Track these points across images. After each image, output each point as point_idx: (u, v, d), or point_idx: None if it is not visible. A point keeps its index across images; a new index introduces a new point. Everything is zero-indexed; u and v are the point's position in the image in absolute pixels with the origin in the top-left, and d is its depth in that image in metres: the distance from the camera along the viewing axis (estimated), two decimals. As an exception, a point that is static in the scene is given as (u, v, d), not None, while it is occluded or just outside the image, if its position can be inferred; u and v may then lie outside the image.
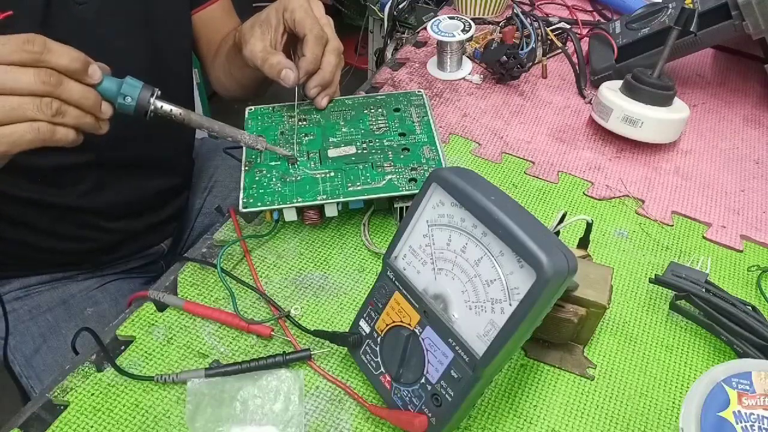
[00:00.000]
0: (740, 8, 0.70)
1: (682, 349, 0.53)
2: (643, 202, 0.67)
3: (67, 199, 0.72)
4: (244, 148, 0.60)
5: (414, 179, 0.57)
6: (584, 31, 0.92)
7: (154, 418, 0.46)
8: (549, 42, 0.88)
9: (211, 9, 0.81)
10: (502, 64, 0.80)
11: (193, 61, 0.84)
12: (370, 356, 0.47)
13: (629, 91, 0.71)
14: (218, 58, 0.79)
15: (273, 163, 0.59)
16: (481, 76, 0.84)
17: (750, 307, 0.52)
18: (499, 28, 0.90)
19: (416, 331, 0.44)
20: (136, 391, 0.48)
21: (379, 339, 0.46)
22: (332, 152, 0.60)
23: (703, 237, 0.63)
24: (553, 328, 0.49)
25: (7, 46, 0.42)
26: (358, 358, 0.48)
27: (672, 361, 0.52)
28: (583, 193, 0.67)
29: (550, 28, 0.89)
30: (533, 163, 0.71)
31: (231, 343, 0.51)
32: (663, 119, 0.69)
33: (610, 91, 0.72)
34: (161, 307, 0.54)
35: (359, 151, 0.60)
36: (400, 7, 1.18)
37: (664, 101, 0.70)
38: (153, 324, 0.52)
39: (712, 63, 0.92)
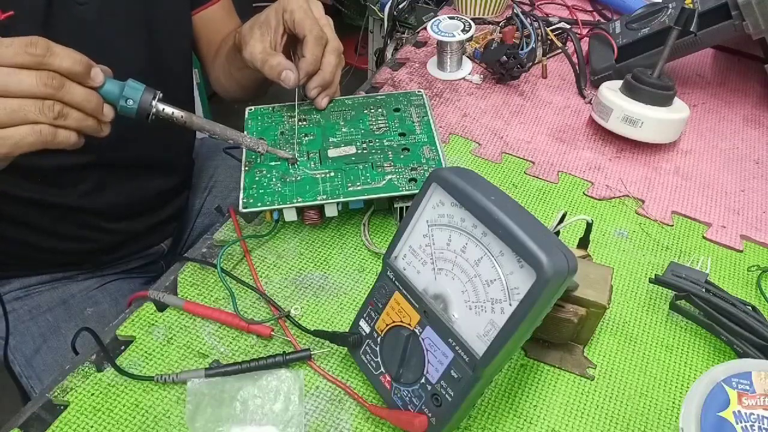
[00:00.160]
0: (740, 8, 0.70)
1: (682, 349, 0.53)
2: (643, 202, 0.67)
3: (67, 199, 0.72)
4: (244, 148, 0.60)
5: (414, 179, 0.57)
6: (584, 31, 0.92)
7: (154, 418, 0.46)
8: (549, 42, 0.88)
9: (211, 9, 0.81)
10: (502, 64, 0.80)
11: (193, 62, 0.84)
12: (370, 356, 0.47)
13: (629, 91, 0.71)
14: (218, 59, 0.79)
15: (273, 164, 0.59)
16: (481, 76, 0.84)
17: (750, 307, 0.52)
18: (499, 28, 0.90)
19: (416, 331, 0.44)
20: (136, 391, 0.48)
21: (379, 339, 0.46)
22: (332, 152, 0.60)
23: (703, 237, 0.63)
24: (553, 328, 0.49)
25: (10, 48, 0.42)
26: (358, 358, 0.48)
27: (672, 361, 0.52)
28: (583, 193, 0.67)
29: (550, 28, 0.89)
30: (533, 163, 0.71)
31: (231, 343, 0.51)
32: (663, 119, 0.69)
33: (610, 91, 0.72)
34: (161, 307, 0.54)
35: (359, 151, 0.60)
36: (400, 7, 1.18)
37: (664, 101, 0.70)
38: (153, 324, 0.52)
39: (712, 63, 0.92)
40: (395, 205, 0.58)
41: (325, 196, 0.56)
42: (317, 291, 0.56)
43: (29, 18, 0.59)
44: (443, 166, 0.59)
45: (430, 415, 0.42)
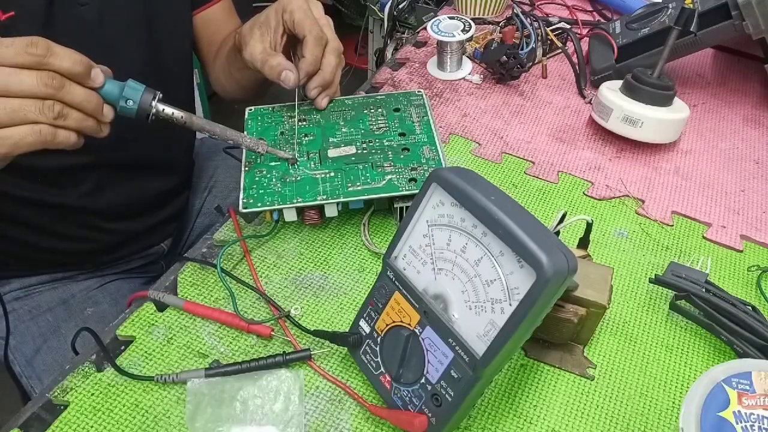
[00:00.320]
0: (740, 8, 0.70)
1: (682, 349, 0.53)
2: (643, 202, 0.67)
3: (67, 199, 0.72)
4: (244, 148, 0.60)
5: (414, 179, 0.57)
6: (584, 31, 0.92)
7: (154, 418, 0.46)
8: (549, 42, 0.88)
9: (211, 10, 0.81)
10: (502, 64, 0.80)
11: (194, 62, 0.84)
12: (370, 356, 0.47)
13: (629, 91, 0.71)
14: (218, 59, 0.80)
15: (273, 164, 0.59)
16: (481, 76, 0.84)
17: (750, 307, 0.52)
18: (499, 28, 0.90)
19: (416, 331, 0.44)
20: (136, 391, 0.48)
21: (379, 339, 0.46)
22: (332, 152, 0.60)
23: (703, 237, 0.63)
24: (553, 328, 0.49)
25: (10, 48, 0.43)
26: (358, 358, 0.48)
27: (672, 361, 0.52)
28: (583, 193, 0.67)
29: (550, 28, 0.89)
30: (533, 163, 0.71)
31: (231, 343, 0.51)
32: (663, 119, 0.69)
33: (610, 91, 0.72)
34: (161, 307, 0.54)
35: (359, 151, 0.60)
36: (400, 7, 1.18)
37: (664, 101, 0.70)
38: (153, 324, 0.52)
39: (712, 63, 0.92)
40: (395, 205, 0.58)
41: (325, 197, 0.56)
42: (317, 291, 0.56)
43: (30, 18, 0.59)
44: (443, 166, 0.59)
45: (430, 415, 0.42)
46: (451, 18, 0.83)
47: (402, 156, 0.60)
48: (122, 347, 0.51)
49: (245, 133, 0.63)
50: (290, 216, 0.56)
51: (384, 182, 0.57)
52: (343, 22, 2.21)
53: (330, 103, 0.66)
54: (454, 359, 0.41)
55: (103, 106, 0.48)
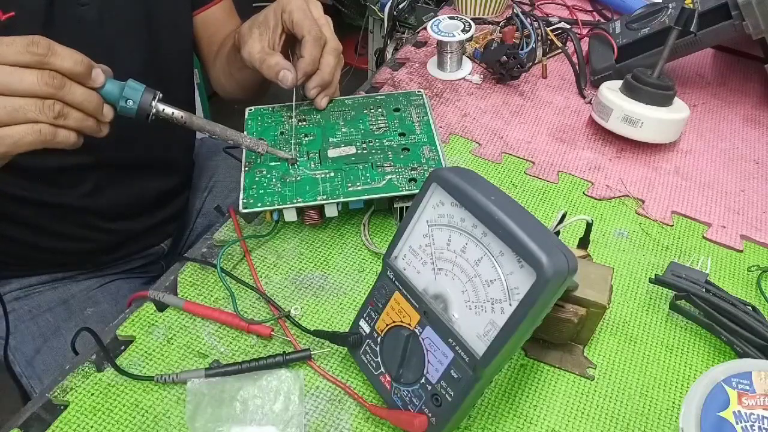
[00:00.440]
0: (740, 8, 0.70)
1: (682, 349, 0.53)
2: (643, 202, 0.67)
3: (68, 199, 0.72)
4: (244, 149, 0.60)
5: (414, 179, 0.57)
6: (584, 31, 0.92)
7: (154, 418, 0.46)
8: (549, 42, 0.88)
9: (212, 10, 0.81)
10: (502, 64, 0.80)
11: (194, 62, 0.84)
12: (370, 356, 0.47)
13: (629, 91, 0.71)
14: (218, 59, 0.79)
15: (273, 164, 0.59)
16: (481, 76, 0.84)
17: (750, 307, 0.52)
18: (499, 28, 0.90)
19: (416, 331, 0.44)
20: (136, 391, 0.48)
21: (379, 339, 0.46)
22: (332, 152, 0.60)
23: (703, 237, 0.63)
24: (553, 328, 0.49)
25: (11, 47, 0.43)
26: (358, 358, 0.48)
27: (672, 361, 0.52)
28: (583, 193, 0.67)
29: (550, 28, 0.89)
30: (533, 163, 0.71)
31: (231, 343, 0.51)
32: (663, 119, 0.69)
33: (610, 91, 0.72)
34: (161, 307, 0.54)
35: (359, 151, 0.60)
36: (400, 7, 1.18)
37: (664, 101, 0.70)
38: (153, 324, 0.52)
39: (712, 63, 0.92)
40: (395, 205, 0.58)
41: (325, 197, 0.56)
42: (317, 291, 0.56)
43: (30, 19, 0.59)
44: (443, 166, 0.59)
45: (430, 415, 0.42)
46: (451, 18, 0.83)
47: (402, 156, 0.60)
48: (122, 347, 0.51)
49: (245, 133, 0.63)
50: (290, 216, 0.56)
51: (384, 182, 0.57)
52: (343, 22, 2.21)
53: (329, 103, 0.66)
54: (454, 359, 0.41)
55: (103, 106, 0.48)
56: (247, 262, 0.57)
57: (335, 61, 0.63)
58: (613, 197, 0.67)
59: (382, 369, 0.46)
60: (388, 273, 0.46)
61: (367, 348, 0.47)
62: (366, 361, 0.47)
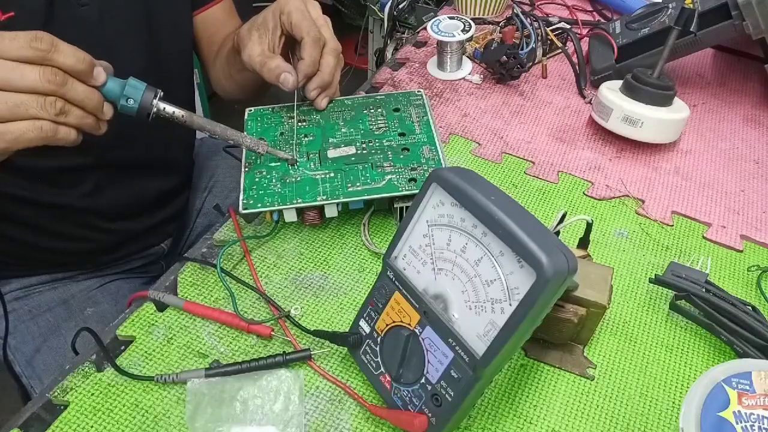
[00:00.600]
0: (740, 8, 0.70)
1: (682, 349, 0.53)
2: (643, 202, 0.67)
3: (67, 199, 0.72)
4: (244, 149, 0.60)
5: (414, 179, 0.57)
6: (584, 31, 0.92)
7: (154, 418, 0.46)
8: (549, 42, 0.88)
9: (212, 10, 0.81)
10: (502, 64, 0.80)
11: (194, 62, 0.84)
12: (370, 356, 0.47)
13: (629, 91, 0.71)
14: (218, 60, 0.79)
15: (273, 164, 0.59)
16: (481, 76, 0.84)
17: (750, 307, 0.52)
18: (499, 28, 0.90)
19: (416, 331, 0.44)
20: (136, 391, 0.48)
21: (379, 339, 0.46)
22: (332, 153, 0.60)
23: (703, 237, 0.63)
24: (553, 328, 0.49)
25: (14, 41, 0.42)
26: (358, 358, 0.48)
27: (672, 361, 0.52)
28: (583, 193, 0.67)
29: (550, 28, 0.89)
30: (533, 163, 0.71)
31: (231, 343, 0.51)
32: (663, 119, 0.69)
33: (610, 91, 0.72)
34: (161, 307, 0.54)
35: (359, 152, 0.60)
36: (400, 7, 1.18)
37: (664, 101, 0.70)
38: (153, 324, 0.52)
39: (712, 63, 0.92)
40: (395, 205, 0.58)
41: (325, 197, 0.56)
42: (317, 291, 0.56)
43: (30, 19, 0.59)
44: (443, 166, 0.59)
45: (430, 415, 0.42)
46: (451, 18, 0.83)
47: (402, 156, 0.60)
48: (122, 347, 0.51)
49: (245, 133, 0.63)
50: (290, 216, 0.56)
51: (384, 182, 0.57)
52: (343, 22, 2.21)
53: (330, 104, 0.66)
54: (454, 359, 0.41)
55: (103, 104, 0.48)
56: (247, 262, 0.57)
57: (335, 62, 0.62)
58: (613, 197, 0.67)
59: (382, 369, 0.46)
60: (388, 273, 0.46)
61: (367, 348, 0.47)
62: (366, 361, 0.47)
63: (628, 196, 0.67)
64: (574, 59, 0.87)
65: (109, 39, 0.66)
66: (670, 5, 0.80)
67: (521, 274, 0.37)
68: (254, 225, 0.61)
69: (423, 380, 0.43)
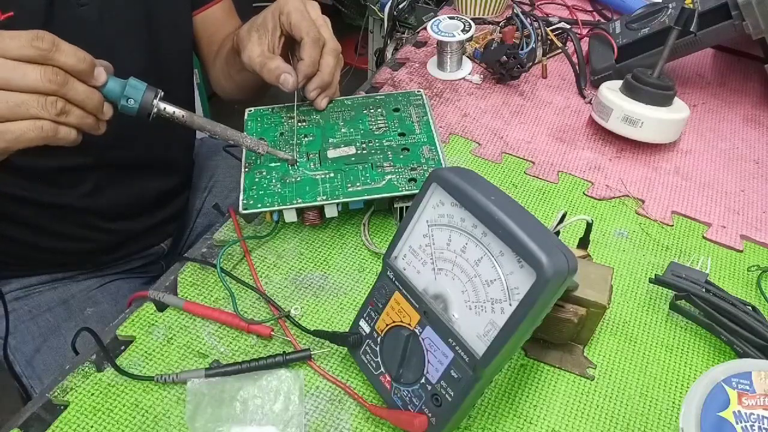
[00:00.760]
0: (740, 8, 0.70)
1: (682, 349, 0.53)
2: (643, 202, 0.67)
3: (67, 199, 0.72)
4: (244, 149, 0.60)
5: (414, 179, 0.57)
6: (584, 31, 0.92)
7: (154, 418, 0.46)
8: (549, 42, 0.88)
9: (211, 10, 0.81)
10: (502, 64, 0.80)
11: (194, 62, 0.84)
12: (370, 356, 0.47)
13: (629, 91, 0.71)
14: (218, 60, 0.80)
15: (273, 165, 0.59)
16: (481, 76, 0.84)
17: (750, 307, 0.52)
18: (499, 28, 0.90)
19: (416, 331, 0.44)
20: (136, 391, 0.48)
21: (379, 339, 0.46)
22: (332, 153, 0.60)
23: (703, 237, 0.63)
24: (553, 328, 0.49)
25: (15, 40, 0.42)
26: (358, 358, 0.48)
27: (672, 361, 0.52)
28: (583, 193, 0.67)
29: (550, 28, 0.89)
30: (533, 163, 0.71)
31: (231, 343, 0.51)
32: (663, 119, 0.69)
33: (610, 91, 0.72)
34: (161, 307, 0.54)
35: (359, 152, 0.60)
36: (400, 7, 1.18)
37: (664, 101, 0.70)
38: (153, 324, 0.52)
39: (712, 63, 0.92)
40: (395, 205, 0.58)
41: (324, 197, 0.56)
42: (317, 291, 0.56)
43: (29, 19, 0.59)
44: (443, 166, 0.59)
45: (430, 415, 0.42)
46: (451, 18, 0.83)
47: (402, 156, 0.60)
48: (122, 347, 0.51)
49: (245, 133, 0.63)
50: (290, 217, 0.56)
51: (384, 182, 0.57)
52: (343, 22, 2.21)
53: (329, 104, 0.66)
54: (454, 359, 0.41)
55: (103, 104, 0.48)
56: (247, 262, 0.57)
57: (334, 62, 0.62)
58: (613, 197, 0.67)
59: (382, 369, 0.46)
60: (388, 273, 0.46)
61: (367, 348, 0.47)
62: (366, 361, 0.47)
63: (628, 196, 0.67)
64: (574, 59, 0.87)
65: (109, 39, 0.66)
66: (670, 5, 0.80)
67: (521, 274, 0.37)
68: (254, 225, 0.61)
69: (423, 380, 0.43)
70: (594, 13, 1.00)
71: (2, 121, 0.43)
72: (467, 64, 0.85)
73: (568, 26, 0.90)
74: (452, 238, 0.41)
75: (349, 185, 0.57)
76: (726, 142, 0.76)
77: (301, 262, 0.58)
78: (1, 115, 0.43)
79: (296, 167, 0.59)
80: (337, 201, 0.56)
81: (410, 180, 0.57)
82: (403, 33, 1.21)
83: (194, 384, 0.47)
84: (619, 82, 0.73)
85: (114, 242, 0.80)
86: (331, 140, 0.62)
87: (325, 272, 0.58)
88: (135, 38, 0.69)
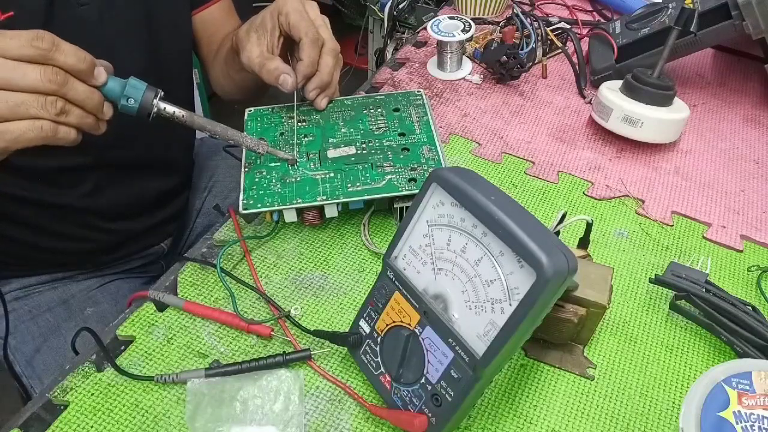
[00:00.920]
0: (740, 8, 0.70)
1: (682, 349, 0.53)
2: (643, 202, 0.67)
3: (67, 199, 0.72)
4: (244, 148, 0.60)
5: (414, 179, 0.57)
6: (584, 31, 0.92)
7: (154, 418, 0.46)
8: (549, 42, 0.88)
9: (210, 10, 0.81)
10: (502, 64, 0.80)
11: (194, 62, 0.84)
12: (370, 356, 0.47)
13: (629, 91, 0.71)
14: (217, 60, 0.79)
15: (273, 165, 0.59)
16: (481, 76, 0.84)
17: (750, 307, 0.52)
18: (499, 28, 0.90)
19: (416, 331, 0.44)
20: (136, 391, 0.48)
21: (379, 339, 0.46)
22: (332, 153, 0.60)
23: (703, 237, 0.63)
24: (553, 328, 0.49)
25: (15, 40, 0.42)
26: (358, 358, 0.48)
27: (672, 361, 0.52)
28: (583, 193, 0.67)
29: (550, 28, 0.89)
30: (533, 163, 0.71)
31: (231, 343, 0.51)
32: (663, 119, 0.69)
33: (610, 91, 0.72)
34: (161, 307, 0.54)
35: (359, 152, 0.60)
36: (400, 7, 1.18)
37: (664, 101, 0.70)
38: (153, 324, 0.52)
39: (712, 63, 0.92)
40: (395, 205, 0.58)
41: (324, 197, 0.56)
42: (317, 291, 0.56)
43: (29, 19, 0.59)
44: (443, 166, 0.59)
45: (430, 415, 0.42)
46: (451, 18, 0.83)
47: (402, 156, 0.60)
48: (122, 347, 0.51)
49: (245, 133, 0.63)
50: (290, 217, 0.56)
51: (384, 182, 0.57)
52: (343, 22, 2.21)
53: (329, 104, 0.66)
54: (454, 359, 0.41)
55: (103, 104, 0.48)
56: (247, 262, 0.57)
57: (334, 62, 0.62)
58: (613, 197, 0.67)
59: (382, 369, 0.46)
60: (388, 273, 0.46)
61: (367, 348, 0.47)
62: (366, 361, 0.47)
63: (628, 196, 0.67)
64: (574, 59, 0.87)
65: (109, 39, 0.66)
66: (670, 5, 0.80)
67: (521, 274, 0.37)
68: (254, 225, 0.61)
69: (423, 380, 0.43)
70: (594, 13, 1.00)
71: (2, 121, 0.43)
72: (467, 64, 0.85)
73: (568, 26, 0.90)
74: (452, 238, 0.41)
75: (349, 185, 0.57)
76: (726, 142, 0.76)
77: (301, 262, 0.58)
78: (0, 114, 0.43)
79: (296, 167, 0.59)
80: (337, 201, 0.56)
81: (410, 180, 0.57)
82: (403, 33, 1.21)
83: (194, 384, 0.47)
84: (619, 82, 0.73)
85: (114, 242, 0.80)
86: (331, 140, 0.62)
87: (325, 272, 0.58)
88: (135, 38, 0.69)
